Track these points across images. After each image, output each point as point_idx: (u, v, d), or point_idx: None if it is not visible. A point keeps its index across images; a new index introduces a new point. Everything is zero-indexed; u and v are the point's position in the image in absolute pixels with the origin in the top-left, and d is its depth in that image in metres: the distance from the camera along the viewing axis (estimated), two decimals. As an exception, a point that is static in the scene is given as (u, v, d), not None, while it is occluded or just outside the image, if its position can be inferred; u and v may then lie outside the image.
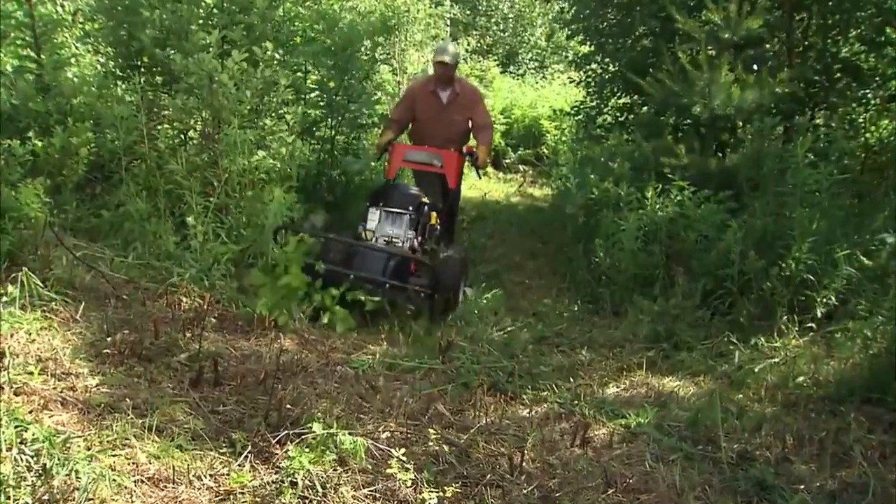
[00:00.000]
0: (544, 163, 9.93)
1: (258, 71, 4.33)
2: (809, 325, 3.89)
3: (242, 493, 2.16)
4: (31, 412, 2.29)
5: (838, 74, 5.77)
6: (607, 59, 7.24)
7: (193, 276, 3.62)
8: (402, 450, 2.38)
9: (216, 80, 4.14)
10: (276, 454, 2.35)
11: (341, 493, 2.22)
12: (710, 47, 5.10)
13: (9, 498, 1.88)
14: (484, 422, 2.94)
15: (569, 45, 13.36)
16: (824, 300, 3.92)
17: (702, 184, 4.74)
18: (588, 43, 7.65)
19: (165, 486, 2.13)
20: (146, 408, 2.50)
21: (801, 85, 5.48)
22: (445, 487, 2.31)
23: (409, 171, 5.63)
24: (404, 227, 4.58)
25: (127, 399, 2.51)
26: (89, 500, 1.96)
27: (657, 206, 4.71)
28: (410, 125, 5.31)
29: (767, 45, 5.74)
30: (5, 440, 1.99)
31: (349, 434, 2.38)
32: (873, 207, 4.61)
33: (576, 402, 3.27)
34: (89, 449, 2.16)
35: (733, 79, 4.91)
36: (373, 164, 6.38)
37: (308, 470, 2.23)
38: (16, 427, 2.06)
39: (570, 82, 9.02)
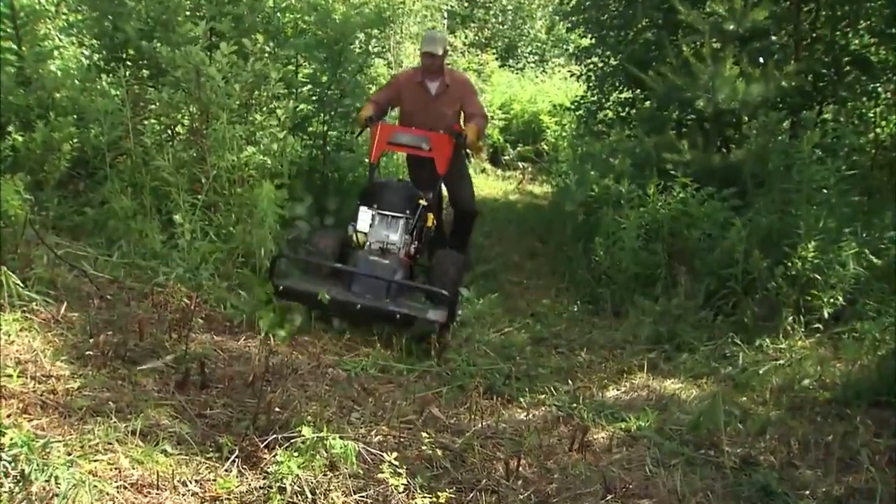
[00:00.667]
0: (544, 159, 9.94)
1: (248, 64, 4.32)
2: (816, 325, 3.89)
3: (229, 499, 2.16)
4: (9, 416, 2.29)
5: (847, 67, 5.77)
6: (608, 53, 7.23)
7: (180, 275, 3.61)
8: (395, 454, 2.37)
9: (204, 73, 4.13)
10: (265, 459, 2.35)
11: (331, 498, 2.21)
12: (714, 40, 5.09)
13: (-14, 504, 1.87)
14: (480, 425, 2.94)
15: (569, 38, 13.36)
16: (831, 300, 3.92)
17: (705, 181, 4.74)
18: (589, 35, 7.64)
19: (149, 493, 2.13)
20: (130, 411, 2.50)
21: (809, 78, 5.48)
22: (439, 493, 2.31)
23: (401, 163, 5.56)
24: (400, 232, 4.34)
25: (110, 402, 2.51)
26: (69, 506, 1.95)
27: (659, 204, 4.71)
28: (398, 118, 5.16)
29: (774, 37, 5.73)
30: (-18, 445, 1.98)
31: (340, 438, 2.37)
32: (882, 205, 4.61)
33: (574, 405, 3.28)
34: (70, 454, 2.16)
35: (738, 72, 4.90)
36: (365, 160, 6.37)
37: (297, 475, 2.22)
38: (-7, 431, 2.06)
39: (571, 76, 8.99)
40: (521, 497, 2.44)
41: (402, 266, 4.18)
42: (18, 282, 2.98)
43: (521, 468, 2.59)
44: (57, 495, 1.95)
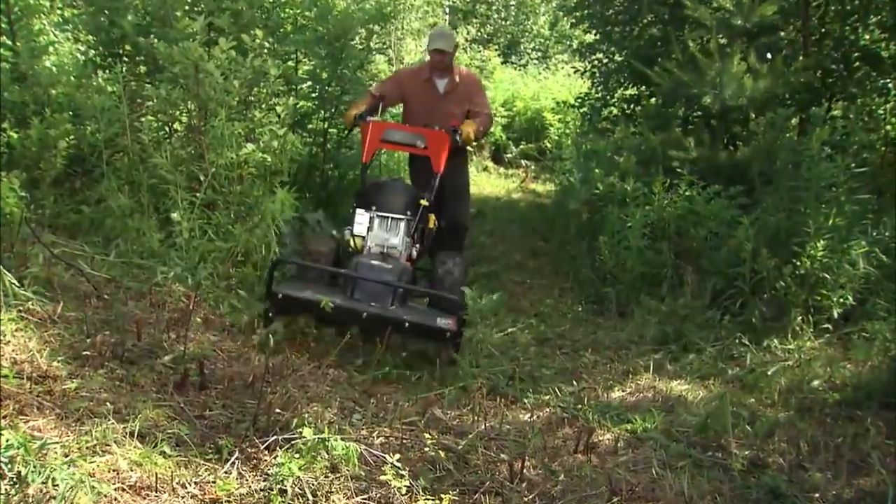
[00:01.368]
0: (547, 157, 9.94)
1: (247, 60, 4.31)
2: (825, 326, 3.89)
3: (229, 501, 2.16)
4: (5, 416, 2.29)
5: (857, 63, 5.77)
6: (613, 49, 7.25)
7: (179, 274, 3.60)
8: (397, 455, 2.37)
9: (202, 69, 4.12)
10: (265, 461, 2.35)
11: (333, 500, 2.22)
12: (721, 35, 5.10)
13: (-18, 506, 1.88)
14: (483, 427, 2.94)
15: (573, 34, 13.37)
16: (840, 300, 3.92)
17: (712, 178, 4.74)
18: (593, 31, 7.65)
19: (148, 495, 2.13)
20: (128, 412, 2.50)
21: (818, 74, 5.49)
22: (442, 495, 2.32)
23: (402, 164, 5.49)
24: (401, 235, 4.14)
25: (107, 403, 2.50)
26: (67, 508, 1.95)
27: (665, 202, 4.71)
28: (402, 117, 4.97)
29: (782, 33, 5.74)
30: (-22, 446, 1.98)
31: (341, 439, 2.37)
32: (893, 203, 4.60)
33: (579, 406, 3.28)
34: (67, 455, 2.16)
35: (746, 68, 4.91)
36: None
37: (298, 477, 2.22)
38: (-11, 432, 2.06)
39: (575, 72, 9.00)
40: (526, 499, 2.44)
41: (405, 270, 3.97)
42: (14, 281, 2.98)
43: (525, 470, 2.59)
44: (54, 497, 1.95)
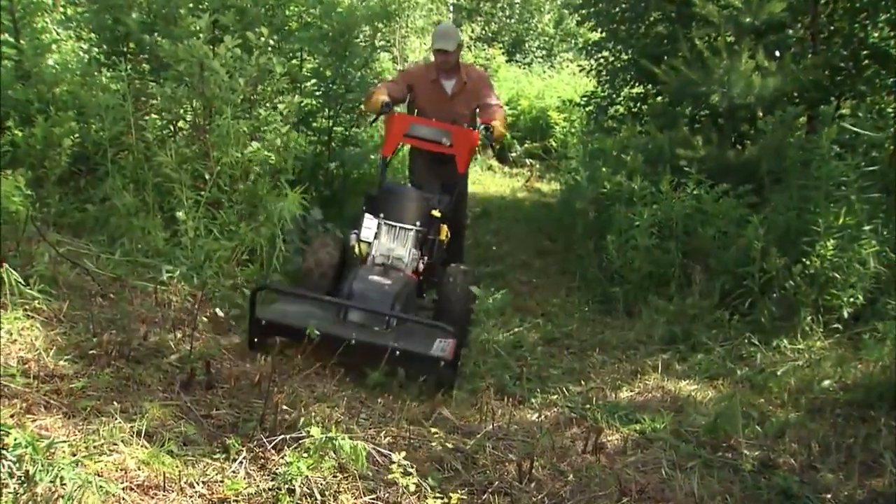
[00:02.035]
0: (552, 156, 9.93)
1: (252, 58, 4.32)
2: (835, 325, 3.89)
3: (237, 501, 2.17)
4: (13, 416, 2.30)
5: (866, 61, 5.74)
6: (619, 47, 7.22)
7: (184, 273, 3.62)
8: (404, 454, 2.38)
9: (207, 67, 4.13)
10: (273, 460, 2.35)
11: (341, 500, 2.22)
12: (729, 32, 5.08)
13: (-10, 505, 1.88)
14: (491, 427, 2.94)
15: (578, 32, 13.35)
16: (851, 299, 3.91)
17: (720, 177, 4.73)
18: (599, 29, 7.63)
19: (156, 494, 2.13)
20: (135, 411, 2.51)
21: (826, 72, 5.46)
22: (451, 494, 2.32)
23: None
24: (409, 246, 3.96)
25: (114, 402, 2.52)
26: (75, 507, 1.96)
27: (673, 201, 4.70)
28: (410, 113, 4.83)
29: (790, 30, 5.72)
30: (-14, 445, 1.99)
31: (349, 438, 2.38)
32: (903, 201, 4.59)
33: (587, 406, 3.28)
34: (74, 454, 2.16)
35: (754, 66, 4.89)
36: (372, 156, 6.38)
37: (306, 476, 2.23)
38: (-3, 431, 2.07)
39: (581, 71, 8.99)
40: (535, 499, 2.45)
41: (407, 285, 3.76)
42: (20, 279, 2.99)
43: (533, 470, 2.59)
44: (62, 496, 1.95)
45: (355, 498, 2.25)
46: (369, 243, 3.94)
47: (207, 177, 4.10)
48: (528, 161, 10.41)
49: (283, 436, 2.44)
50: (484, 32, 14.42)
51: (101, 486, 2.03)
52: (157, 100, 4.48)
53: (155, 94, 4.43)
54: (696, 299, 4.27)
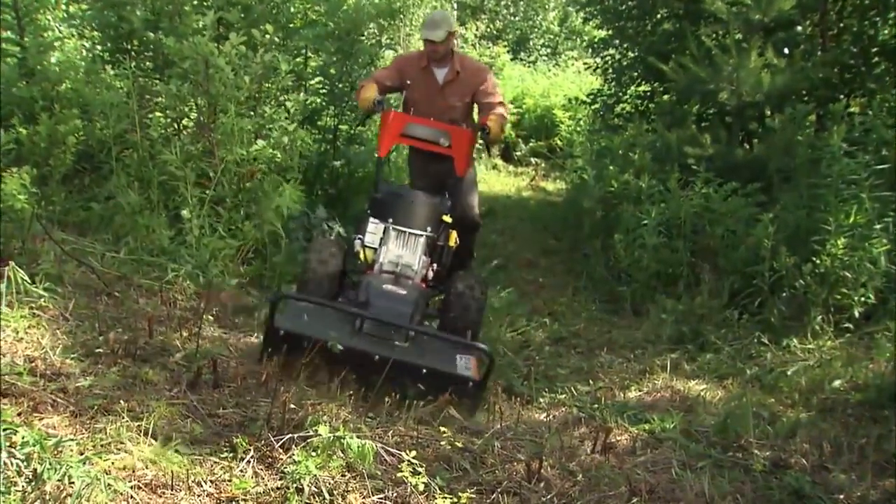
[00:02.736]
0: (557, 155, 9.93)
1: (257, 55, 4.34)
2: (846, 325, 3.88)
3: (245, 500, 2.17)
4: (20, 414, 2.30)
5: (876, 58, 5.74)
6: (626, 44, 7.23)
7: (189, 272, 3.63)
8: (413, 453, 2.38)
9: (212, 64, 4.14)
10: (280, 459, 2.35)
11: (350, 499, 2.22)
12: (737, 30, 5.08)
13: (-1, 503, 1.89)
14: (499, 426, 2.94)
15: (584, 30, 13.35)
16: (861, 299, 3.90)
17: (728, 175, 4.73)
18: (605, 27, 7.63)
19: (164, 493, 2.13)
20: (141, 410, 2.51)
21: (836, 70, 5.45)
22: (460, 494, 2.31)
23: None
24: (419, 254, 3.75)
25: (121, 401, 2.52)
26: (83, 505, 1.96)
27: (681, 200, 4.70)
28: (401, 106, 4.57)
29: (800, 27, 5.72)
30: (-6, 444, 2.00)
31: (357, 437, 2.38)
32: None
33: (595, 406, 3.28)
34: (82, 453, 2.16)
35: (763, 63, 4.89)
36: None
37: (314, 475, 2.23)
38: (4, 430, 2.07)
39: (586, 68, 8.98)
40: (544, 499, 2.44)
41: (421, 294, 3.59)
42: (26, 277, 3.00)
43: (542, 470, 2.58)
44: (71, 495, 1.96)
45: (364, 497, 2.25)
46: (375, 249, 3.77)
47: (212, 175, 4.10)
48: (533, 160, 10.41)
49: (290, 435, 2.44)
50: (488, 30, 14.41)
51: (109, 485, 2.03)
52: (161, 98, 4.49)
53: (159, 92, 4.44)
54: (705, 298, 4.27)
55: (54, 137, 4.11)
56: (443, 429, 2.71)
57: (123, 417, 2.42)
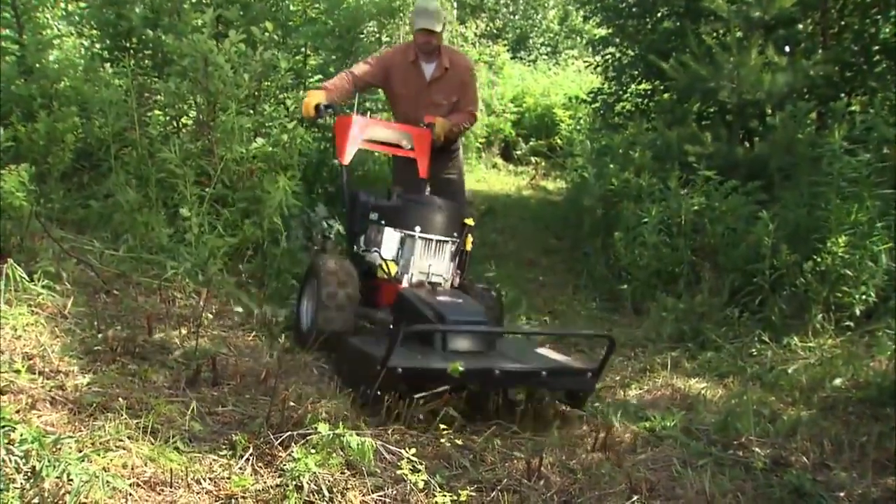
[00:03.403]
0: (558, 154, 9.94)
1: (256, 53, 4.34)
2: (847, 323, 3.88)
3: (244, 498, 2.16)
4: (18, 412, 2.30)
5: (877, 57, 5.74)
6: (627, 43, 7.23)
7: (188, 270, 3.62)
8: (413, 450, 2.38)
9: (211, 62, 4.14)
10: (280, 456, 2.35)
11: (349, 497, 2.22)
12: (738, 28, 5.08)
13: (-3, 501, 1.89)
14: (498, 424, 2.93)
15: (584, 29, 13.34)
16: (862, 297, 3.90)
17: (729, 173, 4.73)
18: (606, 25, 7.63)
19: (162, 490, 2.13)
20: (140, 408, 2.51)
21: (837, 68, 5.45)
22: (459, 491, 2.32)
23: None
24: (447, 260, 3.59)
25: (120, 399, 2.51)
26: (82, 503, 1.96)
27: (681, 198, 4.70)
28: (390, 103, 4.40)
29: (800, 25, 5.72)
30: (-7, 441, 1.99)
31: (357, 435, 2.38)
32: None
33: (596, 404, 3.27)
34: (81, 450, 2.16)
35: (764, 61, 4.89)
36: (376, 153, 6.36)
37: (314, 473, 2.22)
38: (2, 428, 2.07)
39: (587, 67, 8.97)
40: (544, 497, 2.44)
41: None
42: (24, 275, 3.00)
43: (542, 468, 2.59)
44: (69, 492, 1.96)
45: (363, 495, 2.25)
46: (395, 261, 3.55)
47: (211, 173, 4.10)
48: (533, 159, 10.41)
49: (290, 432, 2.44)
50: (488, 29, 14.40)
51: (107, 482, 2.03)
52: (160, 95, 4.50)
53: (158, 90, 4.44)
54: (706, 297, 4.27)
55: (53, 135, 4.12)
56: (442, 427, 2.70)
57: (122, 415, 2.41)
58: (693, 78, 5.19)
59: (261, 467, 2.32)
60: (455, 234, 3.64)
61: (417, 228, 3.55)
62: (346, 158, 3.87)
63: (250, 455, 2.34)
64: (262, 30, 4.46)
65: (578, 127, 9.19)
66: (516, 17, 15.74)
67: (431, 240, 3.56)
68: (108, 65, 4.86)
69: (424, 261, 3.55)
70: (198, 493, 2.16)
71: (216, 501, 2.15)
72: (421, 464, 2.36)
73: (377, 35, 6.06)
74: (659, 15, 6.76)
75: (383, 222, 3.63)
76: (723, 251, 4.47)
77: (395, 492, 2.30)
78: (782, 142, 4.86)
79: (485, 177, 9.60)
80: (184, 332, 3.15)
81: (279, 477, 2.27)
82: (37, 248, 3.34)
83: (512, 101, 11.02)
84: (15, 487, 1.94)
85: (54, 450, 2.08)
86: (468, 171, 9.58)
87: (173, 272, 3.55)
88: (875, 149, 4.37)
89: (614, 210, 5.20)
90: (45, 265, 3.22)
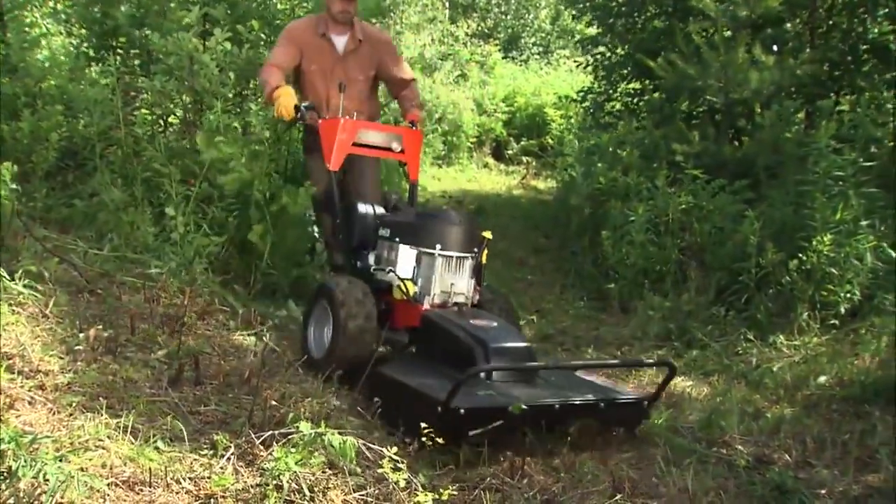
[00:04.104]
0: (548, 153, 9.95)
1: (242, 51, 4.32)
2: (832, 321, 3.89)
3: (224, 497, 2.15)
4: (-4, 411, 2.29)
5: (865, 56, 5.76)
6: (616, 42, 7.23)
7: (173, 269, 3.60)
8: (395, 449, 2.37)
9: (197, 61, 4.12)
10: (261, 456, 2.34)
11: (330, 496, 2.21)
12: (726, 27, 5.09)
13: (-28, 500, 1.87)
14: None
15: (575, 28, 13.37)
16: (847, 295, 3.92)
17: (716, 172, 4.75)
18: (596, 24, 7.64)
19: (141, 490, 2.12)
20: (121, 407, 2.50)
21: (825, 67, 5.47)
22: (442, 490, 2.31)
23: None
24: (467, 276, 3.37)
25: (100, 398, 2.50)
26: (58, 503, 1.95)
27: (669, 197, 4.71)
28: (296, 82, 4.06)
29: (788, 24, 5.74)
30: (-31, 441, 1.98)
31: (339, 434, 2.37)
32: (900, 197, 4.60)
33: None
34: (59, 450, 2.15)
35: (751, 60, 4.91)
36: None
37: (295, 472, 2.21)
38: (-20, 427, 2.06)
39: (577, 66, 8.99)
40: (527, 496, 2.44)
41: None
42: (6, 274, 2.98)
43: (525, 466, 2.59)
44: (45, 492, 1.95)
45: (345, 494, 2.25)
46: (413, 280, 3.34)
47: (197, 172, 4.08)
48: (524, 158, 10.43)
49: (271, 432, 2.43)
50: (479, 29, 14.41)
51: (84, 482, 2.02)
52: (146, 94, 4.47)
53: (144, 89, 4.41)
54: (692, 295, 4.29)
55: (37, 134, 4.08)
56: (426, 431, 2.70)
57: (102, 415, 2.40)
58: (681, 77, 5.20)
59: (242, 467, 2.31)
60: (475, 250, 3.43)
61: (438, 246, 3.30)
62: (336, 164, 3.65)
63: (231, 454, 2.33)
64: (249, 28, 4.45)
65: (569, 126, 9.21)
66: (508, 16, 15.76)
67: (452, 257, 3.33)
68: (93, 64, 4.84)
69: (446, 279, 3.32)
70: (177, 493, 2.15)
71: (196, 501, 2.14)
72: (403, 462, 2.35)
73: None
74: (648, 14, 6.77)
75: (397, 239, 3.41)
76: (709, 250, 4.49)
77: (376, 491, 2.29)
78: (769, 141, 4.88)
79: (476, 176, 9.60)
80: (167, 331, 3.13)
81: (260, 476, 2.26)
82: (19, 248, 3.32)
83: (503, 101, 11.03)
84: (-9, 487, 1.93)
85: (31, 450, 2.06)
86: (460, 171, 9.61)
87: (158, 271, 3.54)
88: (862, 148, 4.40)
89: (602, 209, 5.21)
90: (27, 264, 3.19)
